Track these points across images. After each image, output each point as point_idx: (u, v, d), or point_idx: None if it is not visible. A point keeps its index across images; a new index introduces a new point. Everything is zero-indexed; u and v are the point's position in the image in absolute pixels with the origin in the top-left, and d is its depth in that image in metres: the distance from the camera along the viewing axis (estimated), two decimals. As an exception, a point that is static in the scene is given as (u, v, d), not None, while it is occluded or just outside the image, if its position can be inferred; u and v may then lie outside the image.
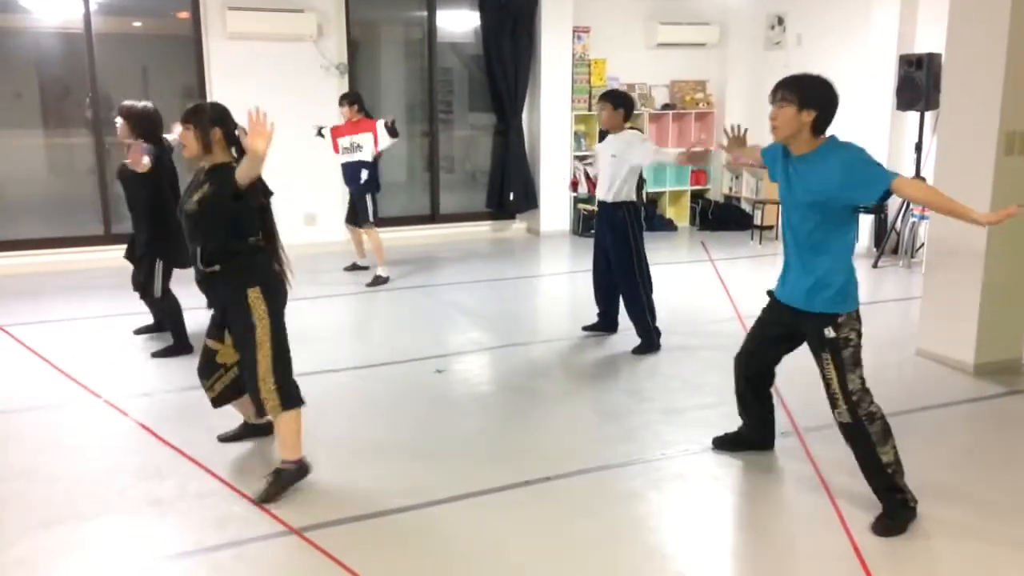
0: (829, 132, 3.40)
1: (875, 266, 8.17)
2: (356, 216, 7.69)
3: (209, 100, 8.17)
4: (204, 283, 3.70)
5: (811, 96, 3.29)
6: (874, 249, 8.52)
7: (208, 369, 3.87)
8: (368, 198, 7.47)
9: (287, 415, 3.64)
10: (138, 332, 5.91)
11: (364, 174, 7.43)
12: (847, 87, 8.72)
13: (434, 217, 9.80)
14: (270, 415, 3.71)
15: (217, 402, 3.94)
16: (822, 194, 3.29)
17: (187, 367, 4.96)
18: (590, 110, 9.84)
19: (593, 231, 9.32)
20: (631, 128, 5.57)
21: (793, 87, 3.31)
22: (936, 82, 7.56)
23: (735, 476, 3.84)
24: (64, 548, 3.25)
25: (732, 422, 4.32)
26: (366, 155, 7.39)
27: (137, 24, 8.76)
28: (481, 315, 6.62)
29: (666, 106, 10.31)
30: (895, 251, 8.41)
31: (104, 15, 8.11)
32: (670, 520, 3.52)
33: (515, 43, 9.41)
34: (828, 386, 3.42)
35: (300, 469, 3.70)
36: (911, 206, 8.05)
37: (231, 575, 3.09)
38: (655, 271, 5.83)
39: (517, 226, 10.08)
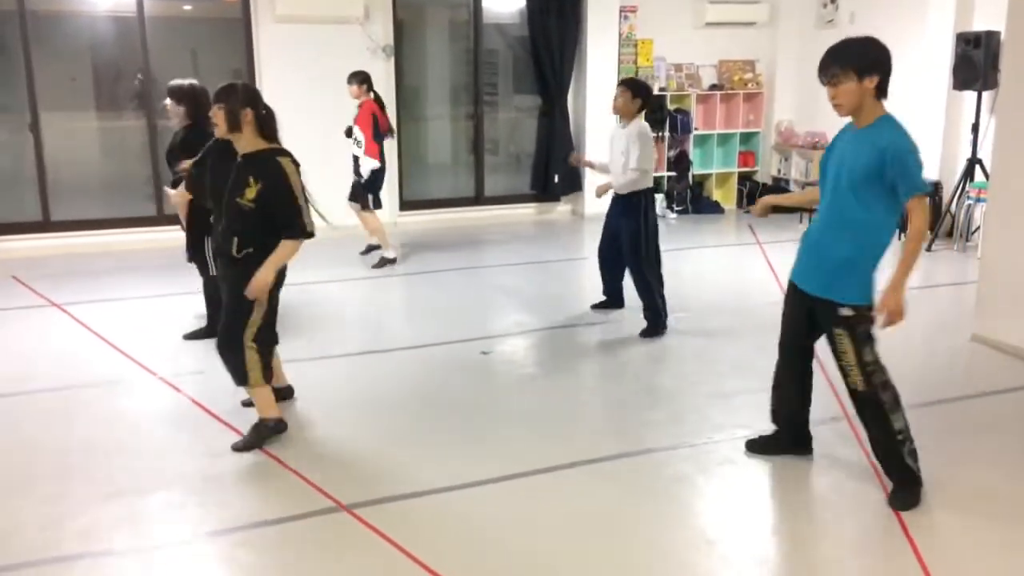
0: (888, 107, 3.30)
1: (929, 249, 7.99)
2: (355, 196, 7.46)
3: (256, 82, 8.28)
4: (227, 265, 3.84)
5: (868, 62, 3.17)
6: (928, 232, 8.34)
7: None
8: (368, 193, 7.31)
9: (260, 389, 3.93)
10: (188, 337, 5.66)
11: (367, 172, 7.26)
12: (901, 67, 8.56)
13: (479, 199, 9.80)
14: (250, 384, 3.91)
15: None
16: (866, 169, 3.20)
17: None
18: (636, 91, 9.74)
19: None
20: (641, 120, 5.50)
21: (846, 58, 3.18)
22: (994, 61, 7.36)
23: (783, 461, 3.81)
24: (123, 521, 3.34)
25: (781, 407, 4.29)
26: (362, 152, 7.22)
27: (187, 7, 8.88)
28: (526, 297, 6.63)
29: (714, 86, 10.17)
30: (949, 234, 8.22)
31: (156, -1, 8.24)
32: (716, 505, 3.51)
33: (561, 23, 9.35)
34: (841, 358, 3.40)
35: (277, 425, 3.99)
36: (967, 188, 7.86)
37: (283, 550, 3.16)
38: (701, 253, 5.78)
39: (562, 208, 10.05)
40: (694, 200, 10.21)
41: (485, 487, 3.61)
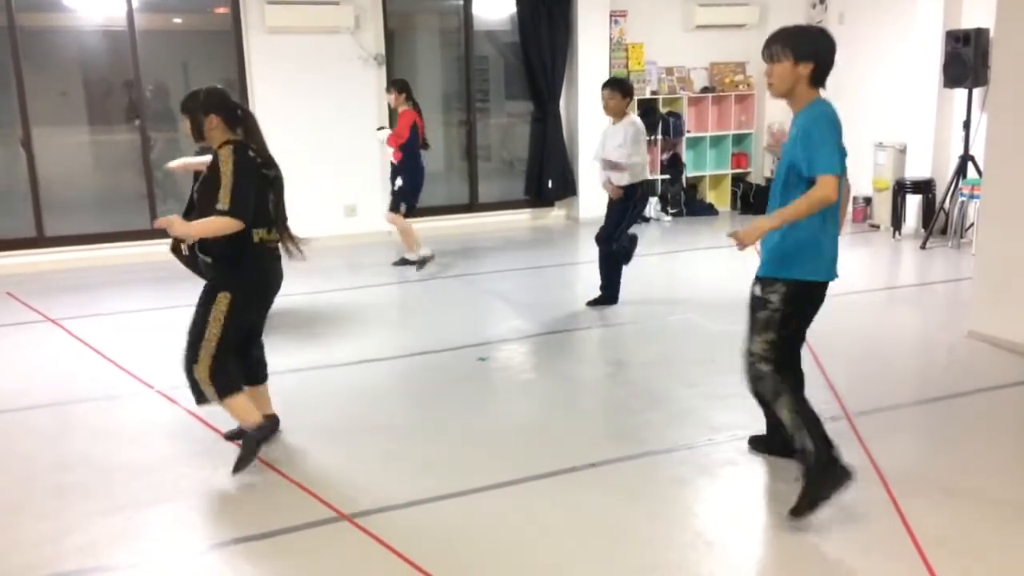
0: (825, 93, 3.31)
1: (923, 247, 8.02)
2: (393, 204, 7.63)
3: (248, 94, 8.28)
4: (192, 265, 3.80)
5: (806, 48, 3.19)
6: (922, 230, 8.36)
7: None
8: (401, 203, 7.44)
9: (230, 400, 3.75)
10: None
11: (398, 180, 7.39)
12: (892, 65, 8.63)
13: (472, 206, 9.81)
14: (211, 402, 3.77)
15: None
16: (788, 153, 3.23)
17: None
18: (628, 95, 9.77)
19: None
20: (633, 115, 5.98)
21: (787, 40, 3.22)
22: (984, 58, 7.39)
23: (784, 462, 3.79)
24: (122, 535, 3.32)
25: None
26: (395, 157, 7.41)
27: (178, 20, 8.88)
28: (522, 303, 6.63)
29: (705, 89, 10.20)
30: (943, 231, 8.24)
31: (146, 12, 8.23)
32: (717, 507, 3.50)
33: (551, 29, 9.37)
34: (748, 332, 3.45)
35: (262, 427, 3.82)
36: (960, 185, 7.88)
37: (283, 562, 3.14)
38: (696, 255, 5.80)
39: (556, 213, 10.06)
40: (688, 202, 10.22)
41: (485, 493, 3.60)
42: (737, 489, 3.61)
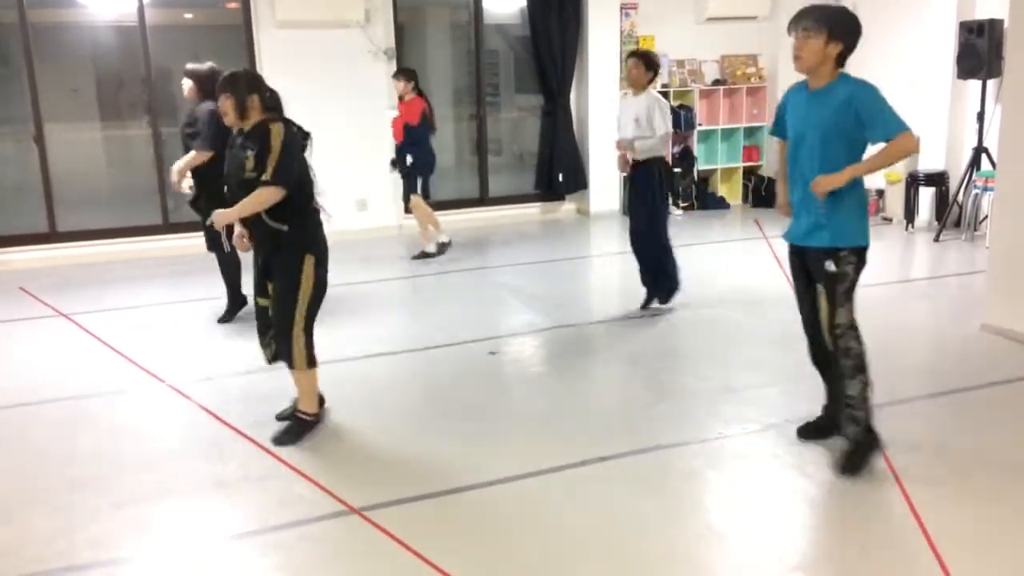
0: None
1: (937, 240, 7.96)
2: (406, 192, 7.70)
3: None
4: (260, 242, 3.92)
5: (839, 29, 3.31)
6: (935, 223, 8.30)
7: (264, 326, 4.04)
8: (417, 178, 7.52)
9: (311, 372, 3.98)
10: (222, 321, 6.00)
11: (408, 158, 7.47)
12: (905, 55, 8.55)
13: (483, 200, 9.80)
14: (296, 367, 3.95)
15: (273, 359, 4.10)
16: (836, 126, 3.33)
17: (246, 349, 5.06)
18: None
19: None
20: (653, 90, 5.80)
21: (820, 18, 3.31)
22: (998, 49, 7.32)
23: (796, 456, 3.78)
24: (133, 529, 3.34)
25: (791, 400, 4.28)
26: (396, 138, 7.55)
27: (188, 16, 8.90)
28: (533, 297, 6.62)
29: (717, 82, 10.14)
30: (957, 224, 8.17)
31: (157, 7, 8.25)
32: (727, 500, 3.48)
33: (562, 22, 9.33)
34: (817, 313, 3.55)
35: (315, 420, 4.08)
36: (973, 177, 7.81)
37: (294, 555, 3.15)
38: (708, 249, 5.77)
39: (566, 207, 10.04)
40: (699, 196, 10.18)
41: (494, 487, 3.59)
42: (747, 482, 3.60)
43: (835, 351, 3.52)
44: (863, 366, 3.50)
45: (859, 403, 3.50)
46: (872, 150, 3.41)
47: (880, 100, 3.31)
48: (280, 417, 4.21)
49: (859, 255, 3.46)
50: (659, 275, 5.89)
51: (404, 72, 7.50)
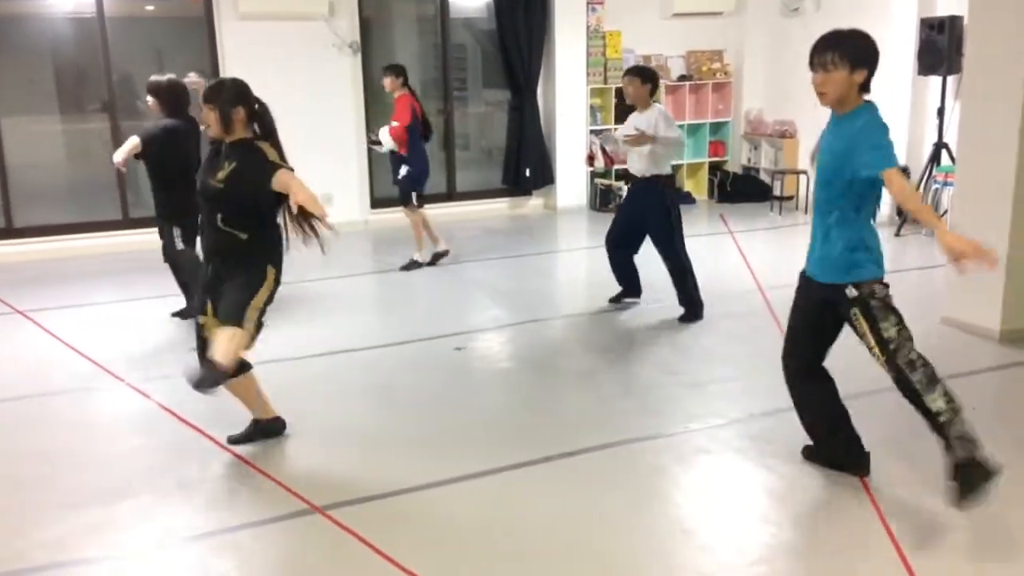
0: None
1: (897, 234, 8.06)
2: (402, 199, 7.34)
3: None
4: (218, 255, 3.70)
5: (862, 56, 3.13)
6: (896, 217, 8.41)
7: (204, 347, 3.75)
8: (410, 189, 7.16)
9: (242, 380, 3.80)
10: (176, 315, 5.89)
11: (403, 169, 7.11)
12: (867, 53, 8.63)
13: (450, 195, 9.75)
14: (220, 357, 3.53)
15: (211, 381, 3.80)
16: (839, 158, 3.18)
17: (208, 349, 4.98)
18: (606, 83, 9.74)
19: (611, 205, 9.28)
20: (658, 104, 5.60)
21: (841, 47, 3.12)
22: (958, 46, 7.42)
23: (760, 450, 3.81)
24: (89, 530, 3.27)
25: (754, 397, 4.30)
26: (391, 147, 7.09)
27: (149, 8, 8.74)
28: (500, 292, 6.60)
29: (682, 77, 10.18)
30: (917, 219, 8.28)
31: (116, -1, 8.10)
32: (694, 494, 3.50)
33: (528, 17, 9.31)
34: (863, 340, 3.28)
35: (274, 422, 3.98)
36: (933, 173, 7.93)
37: (254, 554, 3.11)
38: (674, 244, 5.76)
39: (534, 202, 10.03)
40: (666, 191, 10.20)
41: (460, 484, 3.57)
42: (713, 477, 3.62)
43: (897, 373, 3.20)
44: (935, 375, 3.19)
45: (951, 415, 3.13)
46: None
47: (886, 135, 3.14)
48: (232, 441, 3.97)
49: (880, 280, 3.27)
50: (681, 298, 5.67)
51: (392, 68, 7.17)
